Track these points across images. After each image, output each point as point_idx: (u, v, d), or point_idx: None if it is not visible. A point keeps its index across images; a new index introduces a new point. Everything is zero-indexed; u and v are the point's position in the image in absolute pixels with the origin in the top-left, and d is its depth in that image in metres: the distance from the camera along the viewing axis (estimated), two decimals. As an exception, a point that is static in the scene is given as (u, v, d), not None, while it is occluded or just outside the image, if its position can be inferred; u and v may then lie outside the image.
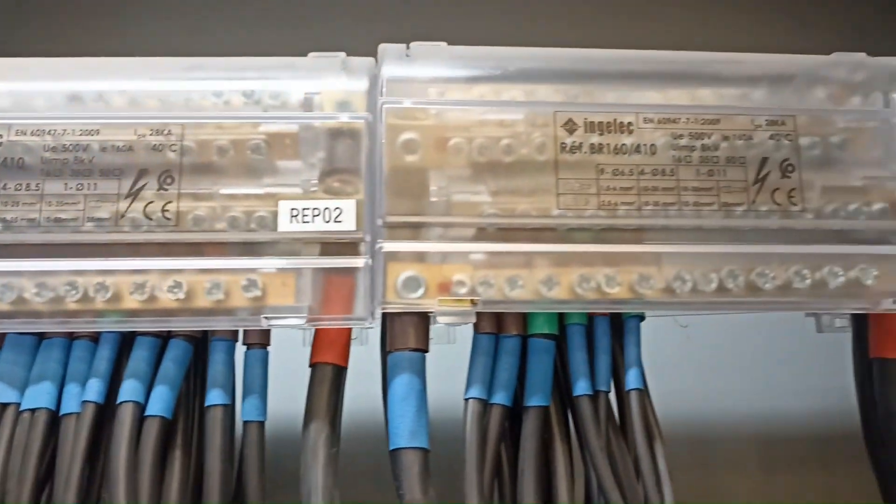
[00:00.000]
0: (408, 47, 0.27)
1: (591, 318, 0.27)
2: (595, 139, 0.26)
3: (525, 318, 0.26)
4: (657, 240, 0.26)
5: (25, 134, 0.25)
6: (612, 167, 0.26)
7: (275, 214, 0.25)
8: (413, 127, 0.26)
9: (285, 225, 0.24)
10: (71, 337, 0.25)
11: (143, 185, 0.24)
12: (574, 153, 0.26)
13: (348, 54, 0.28)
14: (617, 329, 0.27)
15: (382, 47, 0.27)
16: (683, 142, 0.26)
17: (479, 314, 0.26)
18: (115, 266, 0.24)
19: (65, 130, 0.25)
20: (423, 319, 0.25)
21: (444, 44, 0.28)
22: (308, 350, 0.26)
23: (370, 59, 0.27)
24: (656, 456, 0.25)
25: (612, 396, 0.27)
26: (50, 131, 0.25)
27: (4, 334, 0.25)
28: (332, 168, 0.26)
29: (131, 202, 0.24)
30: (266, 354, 0.25)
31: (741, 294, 0.26)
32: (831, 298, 0.26)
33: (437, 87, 0.26)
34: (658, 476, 0.25)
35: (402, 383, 0.24)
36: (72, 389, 0.24)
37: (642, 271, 0.25)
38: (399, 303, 0.24)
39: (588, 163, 0.25)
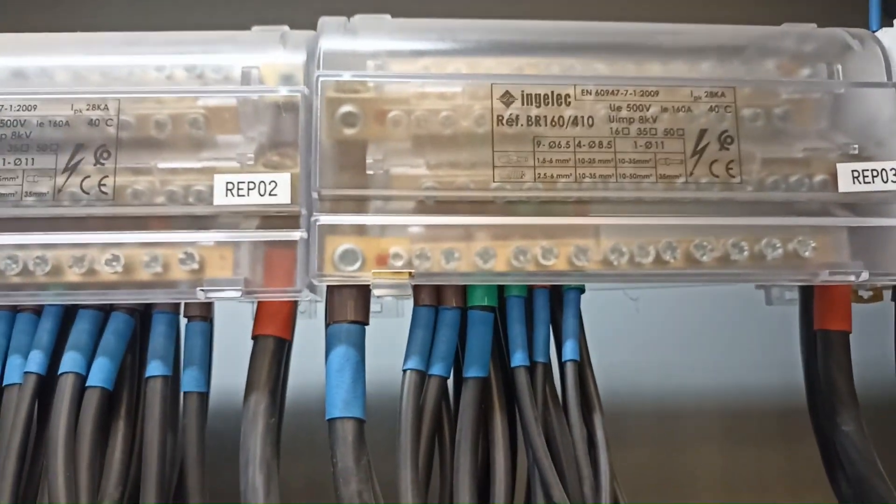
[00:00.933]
0: (349, 20, 0.27)
1: (531, 290, 0.27)
2: (533, 112, 0.26)
3: (465, 291, 0.26)
4: (596, 212, 0.26)
5: (-36, 110, 0.25)
6: (550, 139, 0.26)
7: (212, 189, 0.25)
8: (352, 100, 0.26)
9: (221, 198, 0.25)
10: (14, 310, 0.25)
11: (80, 160, 0.25)
12: (511, 126, 0.26)
13: (292, 27, 0.28)
14: (559, 302, 0.27)
15: (322, 20, 0.27)
16: (622, 114, 0.26)
17: (418, 287, 0.26)
18: (54, 240, 0.24)
19: (1, 106, 0.25)
20: (364, 292, 0.26)
21: (387, 16, 0.28)
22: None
23: (311, 33, 0.27)
24: (595, 426, 0.26)
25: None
26: (-11, 107, 0.25)
27: (-51, 308, 0.25)
28: (272, 142, 0.26)
29: (68, 177, 0.25)
30: (207, 327, 0.26)
31: (679, 266, 0.26)
32: (770, 270, 0.26)
33: (377, 60, 0.26)
34: (595, 446, 0.26)
35: (339, 355, 0.25)
36: (14, 361, 0.24)
37: (580, 243, 0.25)
38: (336, 275, 0.25)
39: (525, 135, 0.25)
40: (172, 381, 0.25)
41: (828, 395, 0.28)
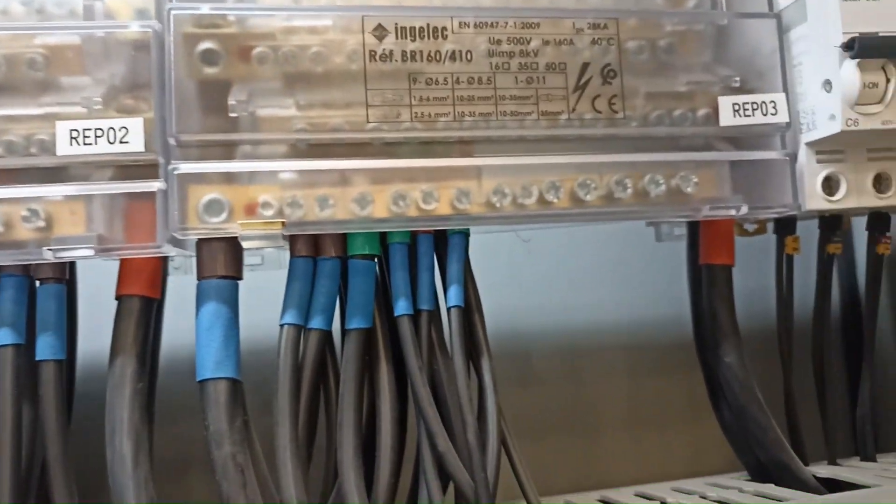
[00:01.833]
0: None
1: (414, 236, 0.26)
2: (409, 46, 0.24)
3: (345, 240, 0.25)
4: (478, 152, 0.25)
5: None
6: (427, 76, 0.24)
7: (55, 137, 0.23)
8: (211, 36, 0.24)
9: (64, 148, 0.22)
10: None
11: None
12: (385, 62, 0.24)
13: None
14: (445, 247, 0.26)
15: (177, -53, 0.25)
16: (502, 48, 0.25)
17: (294, 237, 0.25)
18: None
19: None
20: (235, 245, 0.24)
21: (251, -56, 0.25)
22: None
23: (165, -39, 0.25)
24: (483, 370, 0.25)
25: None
26: None
27: None
28: (126, 84, 0.23)
29: None
30: (61, 289, 0.24)
31: (563, 206, 0.25)
32: (653, 207, 0.26)
33: (240, -9, 0.24)
34: (483, 390, 0.25)
35: (209, 312, 0.23)
36: None
37: (462, 186, 0.24)
38: (200, 228, 0.23)
39: (400, 72, 0.24)
40: (27, 350, 0.23)
41: (711, 327, 0.29)
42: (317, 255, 0.25)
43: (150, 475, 0.22)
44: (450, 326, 0.25)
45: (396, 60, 0.24)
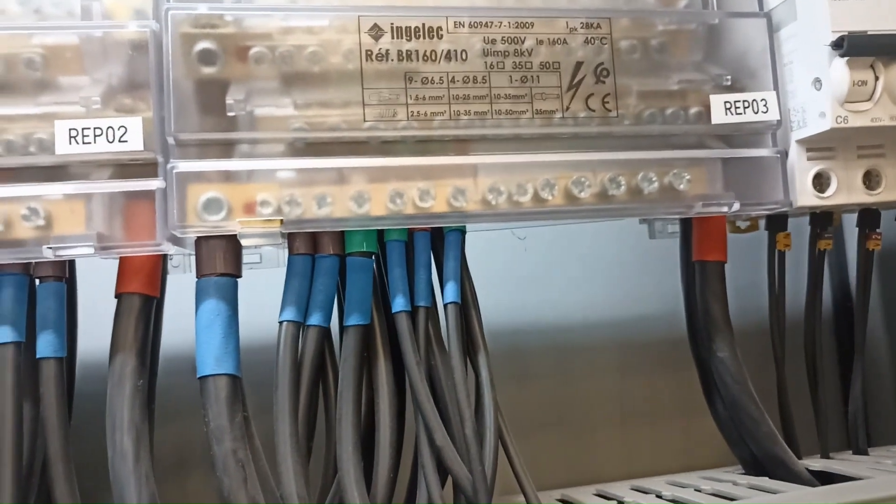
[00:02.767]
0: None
1: (412, 234, 0.26)
2: (404, 46, 0.24)
3: (342, 237, 0.25)
4: (473, 150, 0.25)
5: None
6: (423, 75, 0.24)
7: (53, 136, 0.23)
8: (209, 36, 0.24)
9: (63, 147, 0.22)
10: None
11: None
12: (381, 61, 0.24)
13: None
14: (442, 244, 0.26)
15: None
16: (497, 47, 0.25)
17: (292, 235, 0.25)
18: None
19: None
20: (234, 243, 0.24)
21: (247, -56, 0.26)
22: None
23: (162, -38, 0.25)
24: (479, 366, 0.26)
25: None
26: None
27: None
28: (124, 84, 0.24)
29: None
30: (61, 287, 0.24)
31: (558, 203, 0.25)
32: (647, 204, 0.26)
33: (237, -9, 0.24)
34: (480, 385, 0.26)
35: (208, 310, 0.23)
36: None
37: (458, 184, 0.25)
38: (199, 226, 0.23)
39: (397, 71, 0.24)
40: (27, 348, 0.23)
41: (704, 323, 0.29)
42: (315, 252, 0.25)
43: (150, 471, 0.23)
44: (447, 322, 0.25)
45: (392, 60, 0.24)
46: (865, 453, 0.33)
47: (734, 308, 0.29)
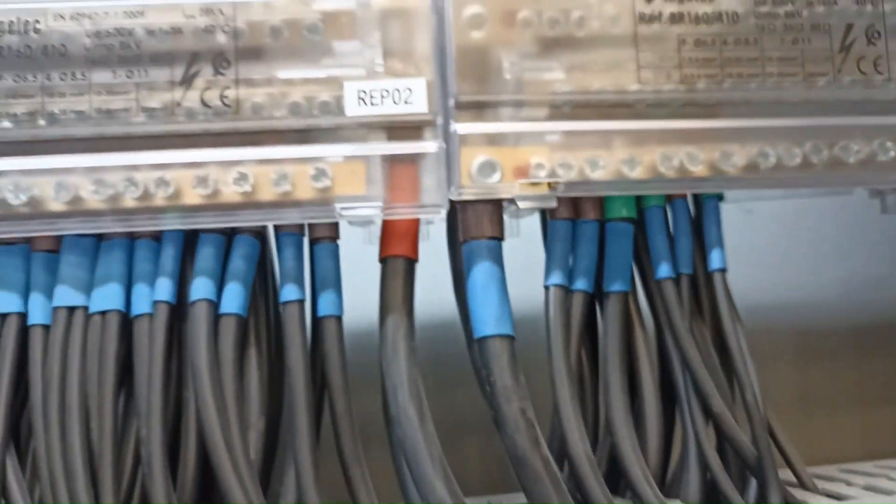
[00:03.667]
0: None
1: (667, 200, 0.26)
2: (674, 7, 0.24)
3: (601, 202, 0.25)
4: (738, 114, 0.25)
5: (64, 19, 0.23)
6: (694, 38, 0.24)
7: (338, 99, 0.23)
8: (479, 1, 0.24)
9: (353, 109, 0.23)
10: (131, 236, 0.23)
11: (197, 72, 0.23)
12: (652, 24, 0.24)
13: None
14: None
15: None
16: (765, 8, 0.24)
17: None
18: (174, 159, 0.23)
19: (106, 13, 0.23)
20: (497, 206, 0.24)
21: None
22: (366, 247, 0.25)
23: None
24: (739, 336, 0.25)
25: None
26: (90, 15, 0.23)
27: (61, 237, 0.23)
28: (391, 48, 0.24)
29: (186, 90, 0.23)
30: (336, 248, 0.24)
31: (825, 169, 0.25)
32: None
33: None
34: (743, 355, 0.25)
35: (482, 271, 0.23)
36: (140, 290, 0.23)
37: (724, 148, 0.24)
38: (475, 188, 0.23)
39: (668, 34, 0.24)
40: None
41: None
42: (576, 217, 0.25)
43: (434, 431, 0.23)
44: (715, 289, 0.25)
45: (665, 22, 0.24)
46: None
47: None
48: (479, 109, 0.24)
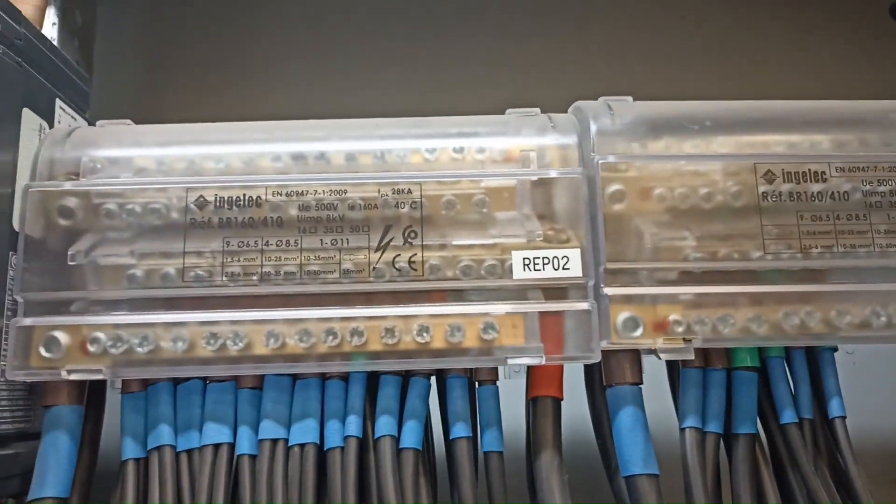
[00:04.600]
0: (610, 107, 0.30)
1: (786, 351, 0.29)
2: (789, 187, 0.28)
3: (728, 353, 0.28)
4: (847, 279, 0.28)
5: (281, 195, 0.27)
6: (811, 213, 0.28)
7: (502, 262, 0.27)
8: (620, 179, 0.28)
9: (519, 272, 0.27)
10: (323, 377, 0.27)
11: (391, 239, 0.27)
12: (773, 200, 0.28)
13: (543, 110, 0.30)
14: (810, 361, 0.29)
15: (582, 104, 0.30)
16: (874, 188, 0.28)
17: (688, 350, 0.28)
18: (364, 313, 0.27)
19: (316, 191, 0.27)
20: (636, 355, 0.28)
21: (629, 98, 0.30)
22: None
23: (569, 116, 0.30)
24: (863, 478, 0.27)
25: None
26: (302, 192, 0.27)
27: (262, 376, 0.27)
28: (544, 218, 0.28)
29: (381, 254, 0.27)
30: (497, 390, 0.28)
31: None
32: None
33: (638, 141, 0.29)
34: (869, 496, 0.27)
35: (629, 414, 0.27)
36: (333, 426, 0.26)
37: (839, 307, 0.27)
38: (622, 342, 0.27)
39: (787, 209, 0.28)
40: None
41: None
42: (706, 366, 0.28)
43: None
44: (835, 435, 0.27)
45: (784, 200, 0.28)
46: None
47: None
48: (620, 274, 0.27)
